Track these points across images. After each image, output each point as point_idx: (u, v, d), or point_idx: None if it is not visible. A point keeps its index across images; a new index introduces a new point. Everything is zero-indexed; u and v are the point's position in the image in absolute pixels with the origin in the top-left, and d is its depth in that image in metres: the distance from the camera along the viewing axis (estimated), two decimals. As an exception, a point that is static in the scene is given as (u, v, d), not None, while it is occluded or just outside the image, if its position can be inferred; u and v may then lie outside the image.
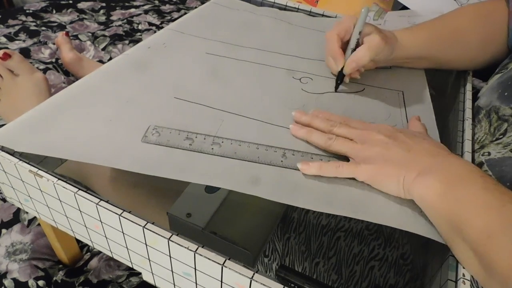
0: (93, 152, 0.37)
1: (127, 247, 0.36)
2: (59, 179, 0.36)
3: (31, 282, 0.52)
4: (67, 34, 0.90)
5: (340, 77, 0.50)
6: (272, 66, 0.54)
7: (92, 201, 0.34)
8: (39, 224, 0.58)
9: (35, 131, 0.39)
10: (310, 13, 0.72)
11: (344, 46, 0.50)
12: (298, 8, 0.72)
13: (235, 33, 0.61)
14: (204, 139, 0.40)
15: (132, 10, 1.23)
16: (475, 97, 0.52)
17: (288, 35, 0.63)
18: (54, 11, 1.15)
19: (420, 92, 0.52)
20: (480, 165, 0.41)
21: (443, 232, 0.32)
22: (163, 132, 0.40)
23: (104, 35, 1.02)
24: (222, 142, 0.40)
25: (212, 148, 0.39)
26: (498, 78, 0.47)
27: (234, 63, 0.54)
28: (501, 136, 0.42)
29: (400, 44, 0.50)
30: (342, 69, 0.49)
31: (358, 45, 0.49)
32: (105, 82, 0.47)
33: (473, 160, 0.42)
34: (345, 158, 0.39)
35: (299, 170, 0.37)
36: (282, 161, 0.38)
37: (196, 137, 0.40)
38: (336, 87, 0.50)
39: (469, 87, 0.54)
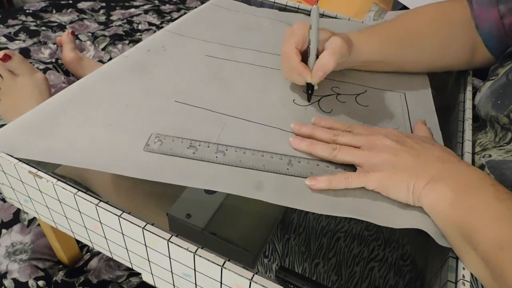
0: (94, 159, 0.37)
1: (126, 248, 0.36)
2: (58, 180, 0.36)
3: (31, 282, 0.52)
4: (72, 33, 0.90)
5: (310, 88, 0.47)
6: (273, 68, 0.54)
7: (91, 202, 0.34)
8: (39, 225, 0.58)
9: (33, 136, 0.39)
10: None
11: (304, 56, 0.46)
12: (298, 8, 0.72)
13: (234, 35, 0.61)
14: (208, 147, 0.39)
15: (132, 10, 1.23)
16: (475, 97, 0.52)
17: None
18: (54, 11, 1.15)
19: (423, 94, 0.52)
20: (481, 167, 0.41)
21: (453, 240, 0.32)
22: (165, 140, 0.39)
23: (104, 35, 1.02)
24: (226, 150, 0.39)
25: (216, 156, 0.38)
26: (490, 86, 0.47)
27: (235, 65, 0.54)
28: (505, 144, 0.41)
29: (355, 47, 0.47)
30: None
31: (318, 50, 0.45)
32: (104, 85, 0.47)
33: (473, 162, 0.42)
34: (351, 165, 0.38)
35: (305, 177, 0.36)
36: (288, 169, 0.37)
37: (199, 145, 0.39)
38: (309, 99, 0.47)
39: (469, 87, 0.54)
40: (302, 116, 0.45)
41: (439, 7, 0.53)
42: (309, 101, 0.48)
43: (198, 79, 0.50)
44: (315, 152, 0.39)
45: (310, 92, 0.47)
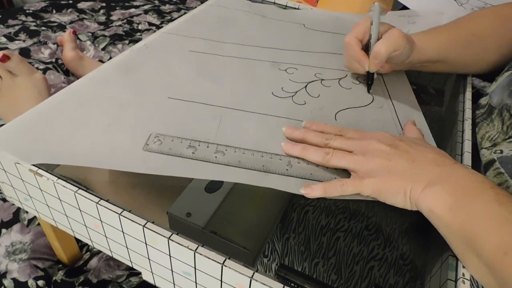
0: (93, 158, 0.37)
1: (127, 247, 0.36)
2: (59, 178, 0.36)
3: (30, 282, 0.52)
4: (74, 32, 0.90)
5: (370, 78, 0.50)
6: (256, 59, 0.55)
7: (92, 200, 0.34)
8: (38, 224, 0.58)
9: (32, 136, 0.39)
10: (310, 13, 0.72)
11: (365, 48, 0.50)
12: (298, 9, 0.73)
13: (213, 29, 0.62)
14: (207, 147, 0.39)
15: (132, 10, 1.23)
16: (475, 97, 0.52)
17: (264, 28, 0.65)
18: (54, 11, 1.15)
19: (397, 73, 0.55)
20: (491, 162, 0.41)
21: (454, 246, 0.31)
22: (165, 140, 0.39)
23: (104, 35, 1.02)
24: (226, 150, 0.39)
25: (216, 157, 0.38)
26: (509, 76, 0.47)
27: (220, 59, 0.55)
28: None
29: (418, 46, 0.49)
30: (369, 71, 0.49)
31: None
32: (95, 87, 0.47)
33: (474, 161, 0.42)
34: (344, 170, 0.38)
35: (305, 178, 0.36)
36: (287, 169, 0.37)
37: (199, 145, 0.39)
38: (369, 89, 0.51)
39: (469, 87, 0.54)
40: (293, 103, 0.47)
41: (497, 9, 0.54)
42: (368, 92, 0.51)
43: (187, 75, 0.50)
44: (308, 157, 0.38)
45: (370, 82, 0.50)
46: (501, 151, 0.41)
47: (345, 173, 0.37)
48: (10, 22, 1.05)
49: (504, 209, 0.29)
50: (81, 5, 1.20)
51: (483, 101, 0.50)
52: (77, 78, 0.79)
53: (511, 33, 0.52)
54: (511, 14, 0.53)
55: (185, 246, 0.31)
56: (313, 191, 0.35)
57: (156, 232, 0.32)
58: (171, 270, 0.34)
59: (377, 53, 0.46)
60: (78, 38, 0.99)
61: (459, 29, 0.53)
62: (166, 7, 1.27)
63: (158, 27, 1.13)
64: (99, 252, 0.56)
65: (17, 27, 1.01)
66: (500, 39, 0.52)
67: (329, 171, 0.38)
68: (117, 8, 1.23)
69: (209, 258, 0.30)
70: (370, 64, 0.48)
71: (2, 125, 0.40)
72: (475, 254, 0.29)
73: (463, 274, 0.31)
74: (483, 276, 0.30)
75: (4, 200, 0.61)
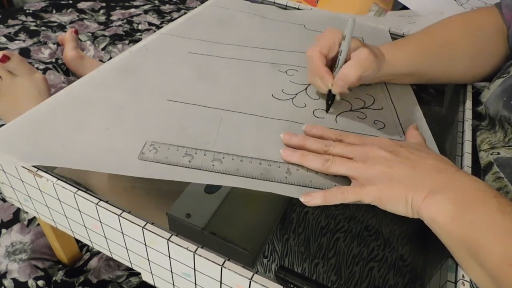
0: (92, 162, 0.37)
1: (126, 248, 0.36)
2: (58, 179, 0.36)
3: (30, 282, 0.52)
4: (76, 31, 0.90)
5: (330, 98, 0.45)
6: (256, 61, 0.55)
7: (91, 201, 0.34)
8: (38, 224, 0.58)
9: (32, 138, 0.39)
10: (310, 14, 0.72)
11: (329, 63, 0.46)
12: (298, 9, 0.73)
13: (213, 31, 0.62)
14: (204, 154, 0.38)
15: (132, 10, 1.23)
16: (475, 97, 0.52)
17: (264, 29, 0.65)
18: (54, 11, 1.15)
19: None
20: (490, 165, 0.40)
21: (457, 255, 0.31)
22: (160, 148, 0.39)
23: (104, 35, 1.02)
24: (223, 158, 0.38)
25: (213, 165, 0.37)
26: (501, 84, 0.46)
27: (219, 60, 0.54)
28: None
29: (387, 60, 0.47)
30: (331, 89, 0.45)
31: (346, 61, 0.44)
32: (94, 89, 0.46)
33: (474, 162, 0.42)
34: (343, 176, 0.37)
35: (304, 185, 0.36)
36: (286, 177, 0.37)
37: (196, 153, 0.38)
38: (327, 109, 0.46)
39: (469, 87, 0.54)
40: (293, 105, 0.47)
41: (468, 16, 0.52)
42: (327, 111, 0.46)
43: (186, 77, 0.50)
44: (307, 164, 0.38)
45: (330, 102, 0.45)
46: (498, 153, 0.40)
47: (345, 180, 0.37)
48: (10, 22, 1.05)
49: (507, 219, 0.29)
50: (81, 5, 1.20)
51: (482, 111, 0.49)
52: (78, 78, 0.79)
53: (483, 42, 0.50)
54: (483, 20, 0.51)
55: (185, 247, 0.31)
56: (313, 199, 0.34)
57: (155, 233, 0.32)
58: (171, 271, 0.34)
59: (345, 76, 0.43)
60: (78, 38, 0.99)
61: (428, 40, 0.51)
62: (166, 7, 1.27)
63: (158, 27, 1.13)
64: (99, 252, 0.56)
65: (17, 27, 1.01)
66: (472, 48, 0.50)
67: (329, 178, 0.37)
68: (117, 8, 1.23)
69: (208, 259, 0.30)
70: (333, 86, 0.44)
71: (2, 125, 0.40)
72: (478, 263, 0.29)
73: (463, 276, 0.31)
74: (487, 285, 0.29)
75: (4, 200, 0.61)
